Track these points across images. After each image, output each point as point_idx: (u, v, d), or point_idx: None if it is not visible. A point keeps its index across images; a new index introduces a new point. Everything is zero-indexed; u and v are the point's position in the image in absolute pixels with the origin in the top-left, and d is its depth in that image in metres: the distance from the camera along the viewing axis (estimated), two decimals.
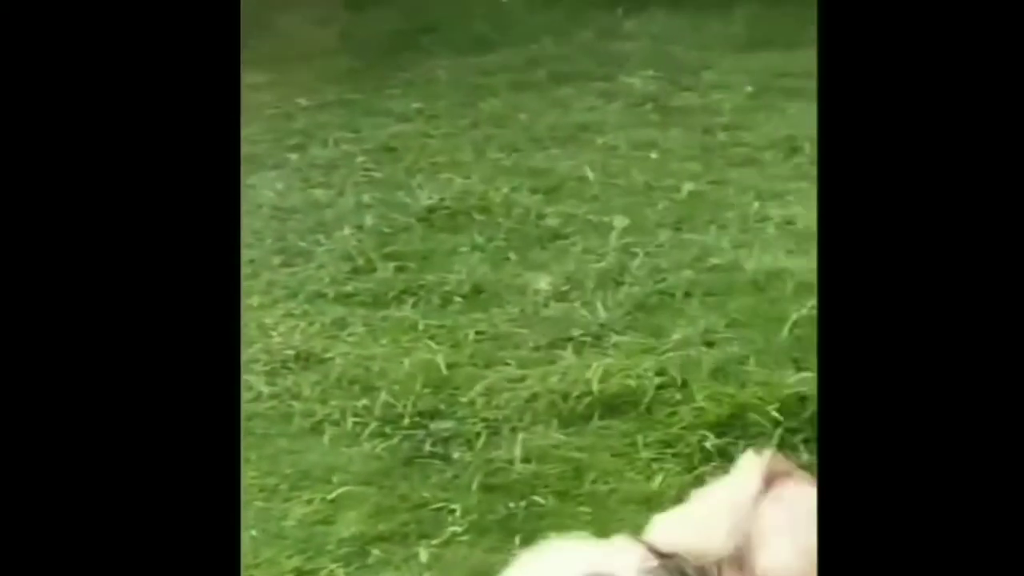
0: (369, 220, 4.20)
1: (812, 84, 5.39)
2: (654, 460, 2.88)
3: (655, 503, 2.72)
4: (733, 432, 2.94)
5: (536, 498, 2.74)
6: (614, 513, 2.71)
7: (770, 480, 2.05)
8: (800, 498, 2.02)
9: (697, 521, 2.06)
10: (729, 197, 4.33)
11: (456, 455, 2.97)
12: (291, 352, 3.42)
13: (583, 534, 2.26)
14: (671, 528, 2.07)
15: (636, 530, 2.62)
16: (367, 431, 3.07)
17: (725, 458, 2.86)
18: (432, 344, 3.44)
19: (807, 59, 5.69)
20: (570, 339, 3.43)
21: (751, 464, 2.03)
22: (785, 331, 3.35)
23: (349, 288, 3.77)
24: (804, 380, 3.09)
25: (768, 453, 2.09)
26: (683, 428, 2.97)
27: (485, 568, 2.52)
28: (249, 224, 4.12)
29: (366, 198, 4.40)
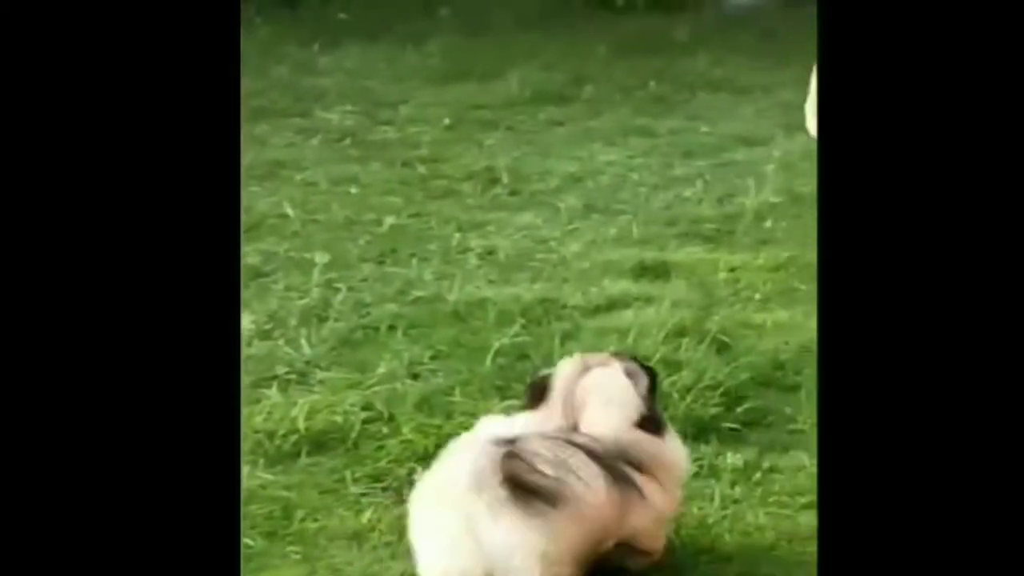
0: None
1: (508, 115, 5.49)
2: (363, 495, 2.88)
3: (364, 538, 2.73)
4: None
5: (245, 540, 2.70)
6: (324, 550, 2.69)
7: (588, 367, 2.71)
8: (609, 374, 2.72)
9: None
10: (430, 229, 4.37)
11: None
12: None
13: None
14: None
15: (345, 565, 2.63)
16: None
17: None
18: None
19: (503, 90, 5.79)
20: (275, 377, 3.40)
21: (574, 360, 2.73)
22: (488, 360, 3.39)
23: None
24: (508, 408, 3.13)
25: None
26: (391, 461, 2.97)
27: None
28: None
29: None
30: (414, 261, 4.10)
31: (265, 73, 6.16)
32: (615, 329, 3.54)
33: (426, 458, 2.96)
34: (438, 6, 7.09)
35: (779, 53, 6.16)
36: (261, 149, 5.21)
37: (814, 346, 3.49)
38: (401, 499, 2.79)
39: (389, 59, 6.36)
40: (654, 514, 2.64)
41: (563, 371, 2.73)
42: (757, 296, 3.80)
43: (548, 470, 2.51)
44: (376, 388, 3.29)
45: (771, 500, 2.85)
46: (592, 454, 2.58)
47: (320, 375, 3.41)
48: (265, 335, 3.65)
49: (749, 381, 3.28)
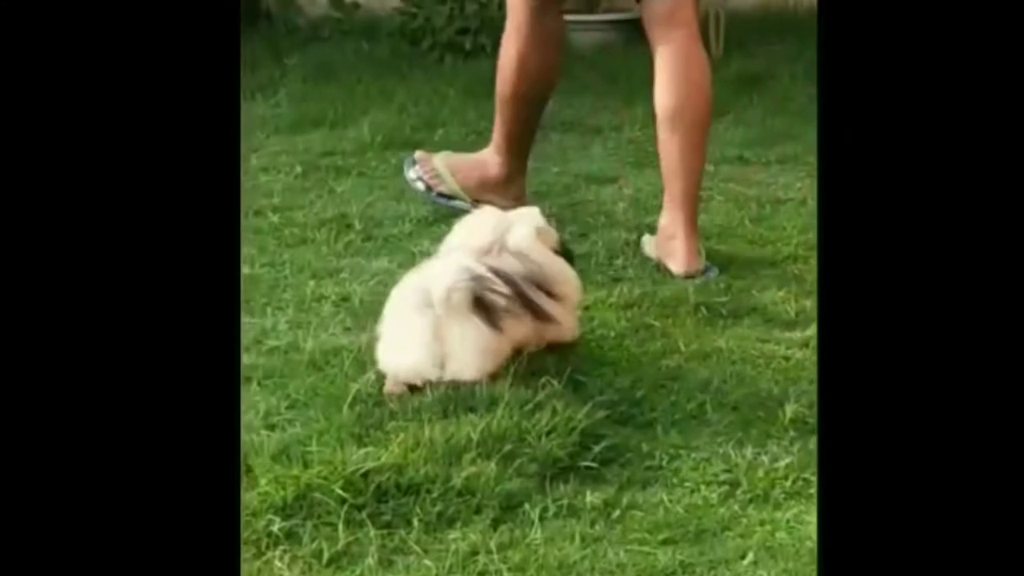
0: None
1: (359, 161, 5.49)
2: None
3: None
4: (299, 514, 2.94)
5: None
6: None
7: None
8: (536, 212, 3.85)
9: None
10: (284, 278, 4.34)
11: None
12: None
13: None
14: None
15: None
16: None
17: (293, 540, 2.87)
18: None
19: (354, 136, 5.79)
20: None
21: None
22: (345, 408, 3.38)
23: None
24: (367, 455, 3.12)
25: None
26: (249, 515, 2.94)
27: None
28: None
29: None
30: (268, 310, 4.07)
31: None
32: None
33: (284, 509, 2.95)
34: (285, 55, 7.07)
35: (625, 92, 6.24)
36: None
37: (668, 382, 3.53)
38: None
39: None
40: (564, 331, 3.68)
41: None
42: (612, 333, 3.83)
43: (499, 296, 3.42)
44: None
45: (631, 538, 2.88)
46: (522, 279, 3.55)
47: None
48: None
49: (605, 419, 3.31)
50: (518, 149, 4.74)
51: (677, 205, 4.34)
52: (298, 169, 5.45)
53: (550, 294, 3.62)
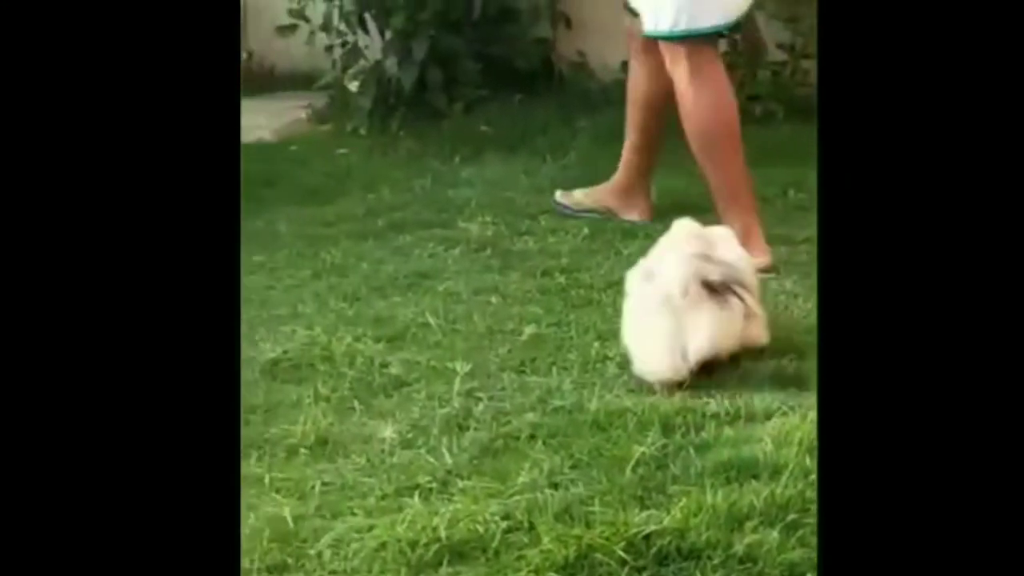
0: None
1: (644, 224, 5.52)
2: None
3: None
4: (580, 573, 2.97)
5: None
6: None
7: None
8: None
9: None
10: (570, 338, 4.40)
11: None
12: None
13: None
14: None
15: None
16: None
17: None
18: (278, 497, 3.43)
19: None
20: (417, 486, 3.44)
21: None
22: (628, 470, 3.40)
23: None
24: (650, 518, 3.13)
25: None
26: (531, 571, 2.98)
27: None
28: None
29: None
30: (554, 370, 4.13)
31: (408, 186, 6.27)
32: (755, 439, 3.53)
33: (566, 568, 2.97)
34: (577, 117, 7.16)
35: None
36: (404, 260, 5.30)
37: None
38: None
39: (528, 170, 6.43)
40: (762, 335, 4.04)
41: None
42: None
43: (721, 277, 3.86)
44: (516, 497, 3.31)
45: None
46: (731, 279, 3.91)
47: (461, 484, 3.44)
48: (407, 444, 3.69)
49: None
50: (640, 164, 5.58)
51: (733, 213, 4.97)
52: (585, 231, 5.51)
53: (750, 290, 4.02)
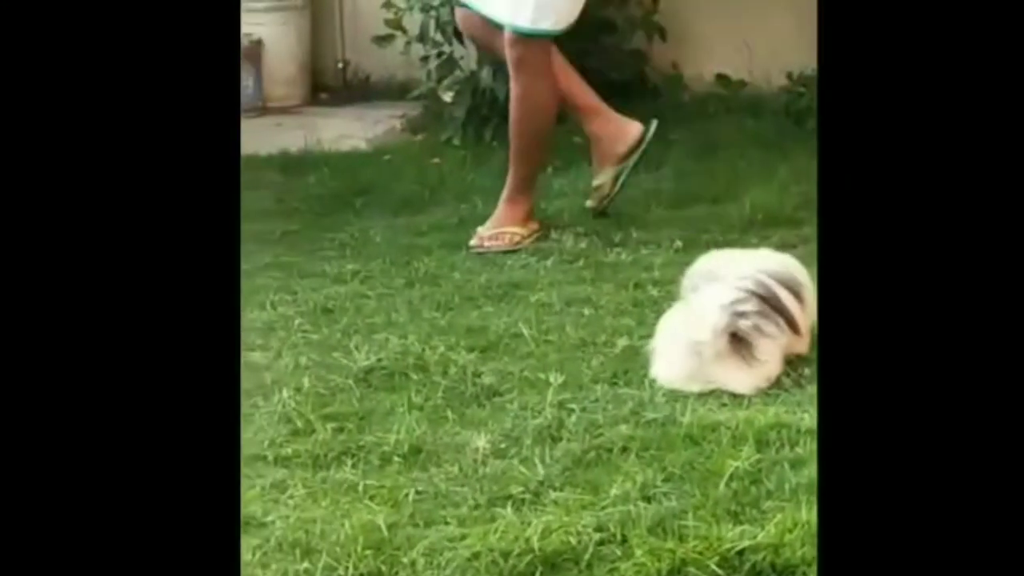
0: (307, 382, 4.22)
1: (738, 237, 5.50)
2: None
3: None
4: None
5: None
6: None
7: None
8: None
9: None
10: None
11: None
12: None
13: None
14: None
15: None
16: None
17: None
18: (372, 505, 3.45)
19: (734, 212, 5.81)
20: (509, 496, 3.45)
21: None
22: (722, 485, 3.39)
23: (288, 451, 3.78)
24: (743, 533, 3.13)
25: None
26: None
27: None
28: None
29: (303, 360, 4.42)
30: (647, 382, 4.12)
31: (500, 196, 6.28)
32: None
33: None
34: (671, 130, 7.15)
35: None
36: (497, 270, 5.32)
37: None
38: None
39: (621, 181, 6.42)
40: (806, 343, 4.18)
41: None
42: None
43: (753, 317, 4.03)
44: (609, 509, 3.32)
45: None
46: (779, 283, 4.16)
47: (553, 495, 3.45)
48: (500, 453, 3.71)
49: None
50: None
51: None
52: (678, 243, 5.50)
53: (798, 297, 4.20)
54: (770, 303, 4.11)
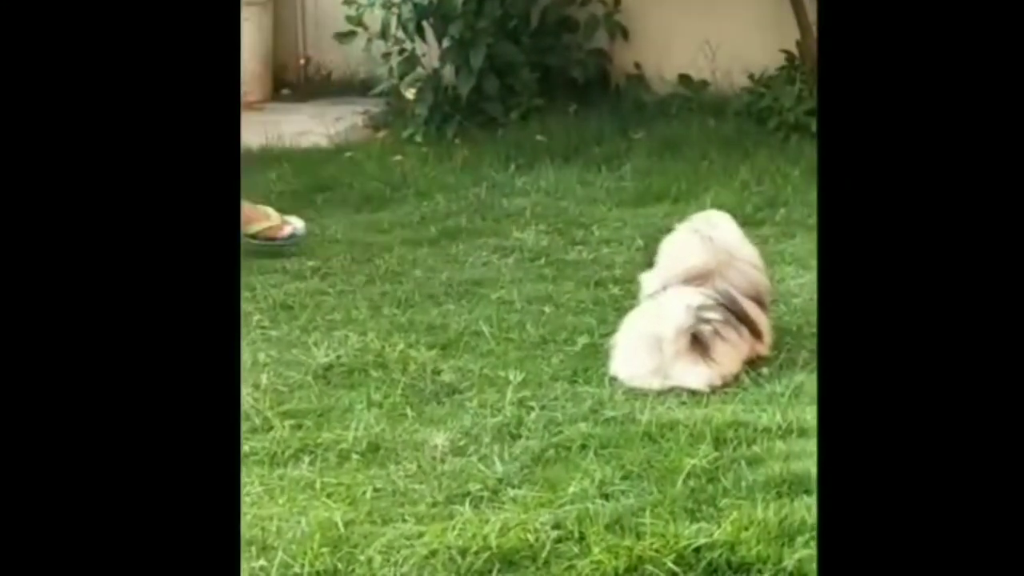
0: (265, 378, 4.21)
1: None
2: None
3: None
4: None
5: None
6: None
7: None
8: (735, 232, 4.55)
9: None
10: None
11: None
12: None
13: None
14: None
15: None
16: None
17: None
18: (329, 502, 3.45)
19: (696, 211, 5.81)
20: (467, 494, 3.45)
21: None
22: (679, 482, 3.40)
23: (246, 447, 3.77)
24: (700, 531, 3.13)
25: None
26: None
27: None
28: None
29: (262, 356, 4.41)
30: (606, 380, 4.13)
31: (463, 193, 6.29)
32: (807, 453, 3.52)
33: None
34: (632, 129, 7.16)
35: None
36: (458, 268, 5.32)
37: None
38: None
39: (583, 180, 6.44)
40: (767, 346, 4.25)
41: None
42: None
43: (714, 325, 4.08)
44: (567, 507, 3.32)
45: None
46: (742, 294, 4.23)
47: (512, 492, 3.45)
48: (459, 451, 3.70)
49: None
50: None
51: None
52: (640, 242, 5.51)
53: (761, 304, 4.30)
54: (735, 313, 4.19)
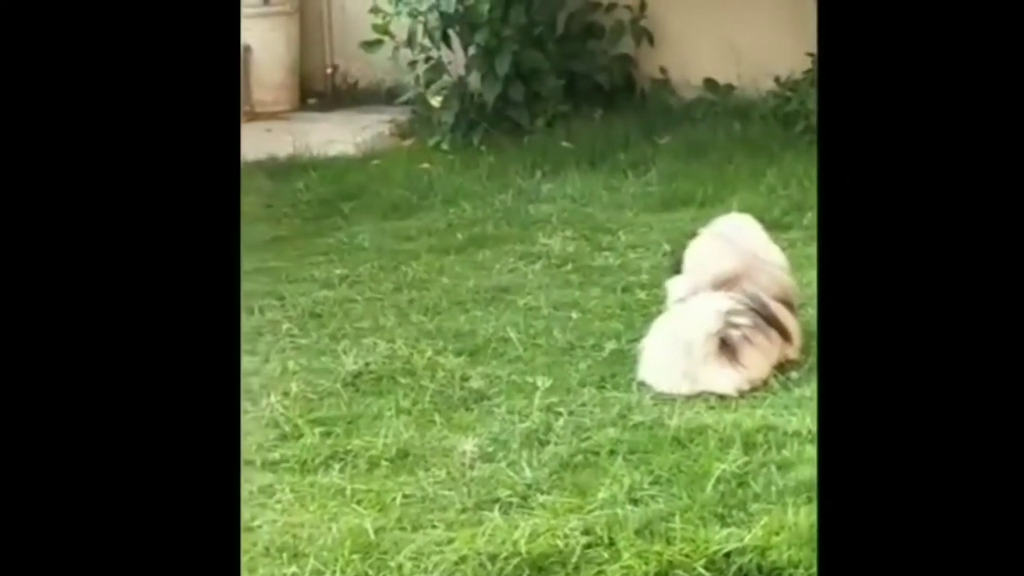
0: (295, 386, 4.22)
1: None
2: None
3: None
4: None
5: None
6: None
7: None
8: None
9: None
10: None
11: None
12: None
13: None
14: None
15: None
16: None
17: None
18: (360, 509, 3.46)
19: (722, 214, 5.81)
20: (496, 500, 3.45)
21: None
22: (709, 487, 3.40)
23: (276, 455, 3.78)
24: (730, 536, 3.13)
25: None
26: None
27: None
28: None
29: (291, 364, 4.42)
30: (634, 386, 4.13)
31: (489, 201, 6.29)
32: None
33: None
34: (658, 134, 7.16)
35: None
36: (485, 274, 5.32)
37: None
38: None
39: (609, 186, 6.44)
40: (797, 349, 4.23)
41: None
42: None
43: (744, 330, 4.09)
44: (597, 512, 3.32)
45: None
46: (772, 297, 4.24)
47: (541, 498, 3.45)
48: (488, 458, 3.71)
49: None
50: None
51: None
52: (666, 247, 5.50)
53: (790, 306, 4.32)
54: (765, 317, 4.19)
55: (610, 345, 4.46)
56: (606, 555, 3.13)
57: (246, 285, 5.22)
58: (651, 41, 7.75)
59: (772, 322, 4.21)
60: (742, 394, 3.99)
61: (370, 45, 7.61)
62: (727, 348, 4.09)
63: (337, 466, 3.71)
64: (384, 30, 7.53)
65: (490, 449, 3.75)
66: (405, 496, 3.51)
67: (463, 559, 3.16)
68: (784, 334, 4.23)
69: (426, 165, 6.98)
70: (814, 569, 3.00)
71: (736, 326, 4.12)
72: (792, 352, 4.24)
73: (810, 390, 3.98)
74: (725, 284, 4.29)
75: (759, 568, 3.03)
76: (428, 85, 7.51)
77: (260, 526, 3.39)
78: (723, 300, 4.20)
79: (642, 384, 4.11)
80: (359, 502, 3.50)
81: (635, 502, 3.38)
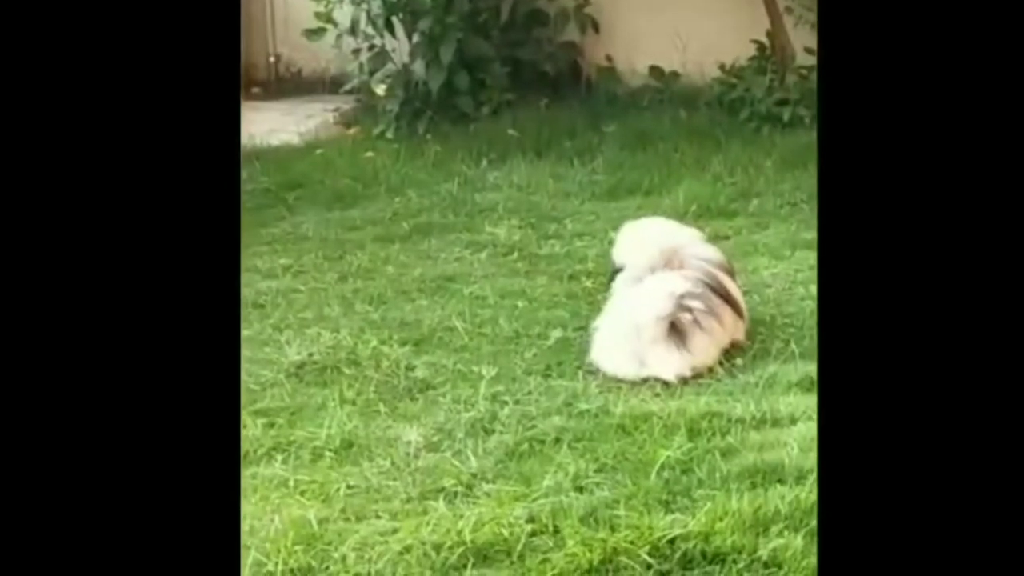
0: None
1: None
2: None
3: None
4: None
5: None
6: None
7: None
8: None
9: None
10: None
11: None
12: None
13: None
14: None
15: None
16: None
17: None
18: (303, 500, 3.43)
19: (668, 204, 5.82)
20: (442, 489, 3.44)
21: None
22: (653, 474, 3.39)
23: None
24: (674, 522, 3.12)
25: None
26: (555, 575, 2.97)
27: None
28: None
29: None
30: (580, 374, 4.12)
31: (435, 189, 6.27)
32: (781, 443, 3.51)
33: (591, 572, 2.97)
34: (604, 123, 7.16)
35: None
36: (430, 264, 5.30)
37: None
38: None
39: (555, 174, 6.43)
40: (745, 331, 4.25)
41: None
42: None
43: (697, 313, 4.10)
44: (541, 501, 3.31)
45: None
46: (719, 267, 4.30)
47: (486, 487, 3.44)
48: (433, 447, 3.69)
49: None
50: None
51: None
52: (612, 235, 5.49)
53: (732, 275, 4.35)
54: (719, 293, 4.19)
55: (556, 333, 4.45)
56: (551, 543, 3.12)
57: None
58: (596, 29, 7.75)
59: (727, 298, 4.22)
60: (685, 380, 3.99)
61: (313, 33, 7.57)
62: (676, 332, 4.09)
63: (280, 457, 3.68)
64: (327, 18, 7.49)
65: (435, 439, 3.74)
66: (349, 487, 3.49)
67: (407, 549, 3.14)
68: (737, 310, 4.25)
69: (371, 154, 6.95)
70: (758, 554, 3.01)
71: (688, 309, 4.11)
72: (740, 332, 4.24)
73: (754, 376, 3.98)
74: (672, 259, 4.29)
75: (703, 554, 3.03)
76: (372, 73, 7.48)
77: None
78: (678, 281, 4.19)
79: (592, 365, 4.10)
80: (302, 493, 3.47)
81: (580, 490, 3.37)
